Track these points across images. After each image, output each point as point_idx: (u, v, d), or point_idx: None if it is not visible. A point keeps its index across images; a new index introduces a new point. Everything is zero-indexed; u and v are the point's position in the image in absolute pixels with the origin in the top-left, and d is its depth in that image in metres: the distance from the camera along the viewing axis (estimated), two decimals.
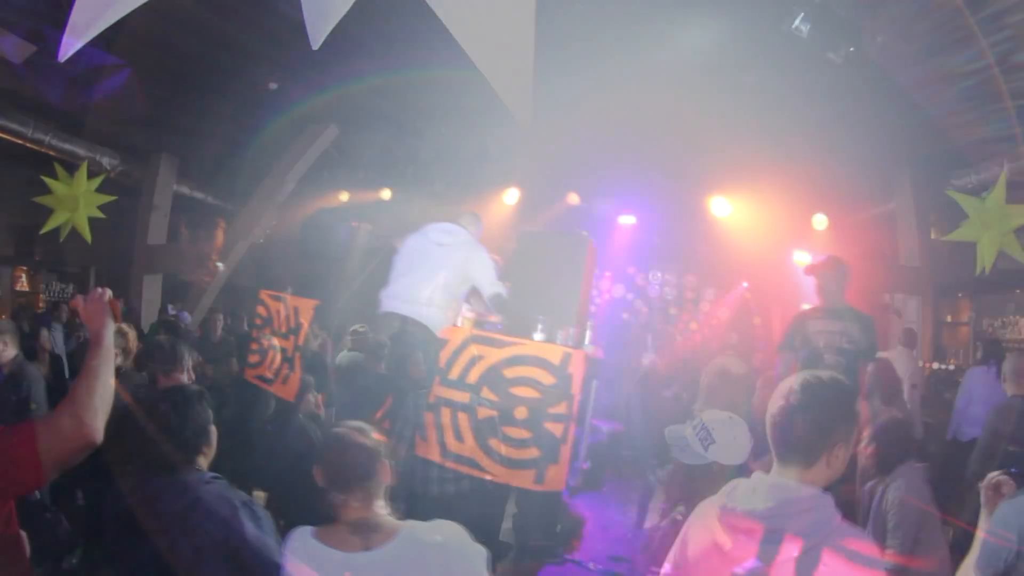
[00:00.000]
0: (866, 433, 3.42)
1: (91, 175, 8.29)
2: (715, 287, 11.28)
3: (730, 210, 9.67)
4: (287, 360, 4.48)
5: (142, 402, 2.46)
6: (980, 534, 2.14)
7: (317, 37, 1.83)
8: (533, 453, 3.91)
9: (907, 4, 5.77)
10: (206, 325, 8.38)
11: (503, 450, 3.84)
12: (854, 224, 9.70)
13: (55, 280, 11.80)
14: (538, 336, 4.17)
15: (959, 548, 3.14)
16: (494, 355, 3.97)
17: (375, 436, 2.14)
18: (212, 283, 10.16)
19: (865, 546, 1.63)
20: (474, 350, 3.98)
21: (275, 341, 4.65)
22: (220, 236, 10.60)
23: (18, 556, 1.92)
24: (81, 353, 4.98)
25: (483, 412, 3.89)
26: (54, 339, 6.77)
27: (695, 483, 2.53)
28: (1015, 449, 4.19)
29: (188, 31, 6.90)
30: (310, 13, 1.81)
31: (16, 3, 5.08)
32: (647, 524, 5.47)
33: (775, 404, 1.73)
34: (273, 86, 8.36)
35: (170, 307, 9.79)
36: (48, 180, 8.04)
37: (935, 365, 9.13)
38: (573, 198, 10.35)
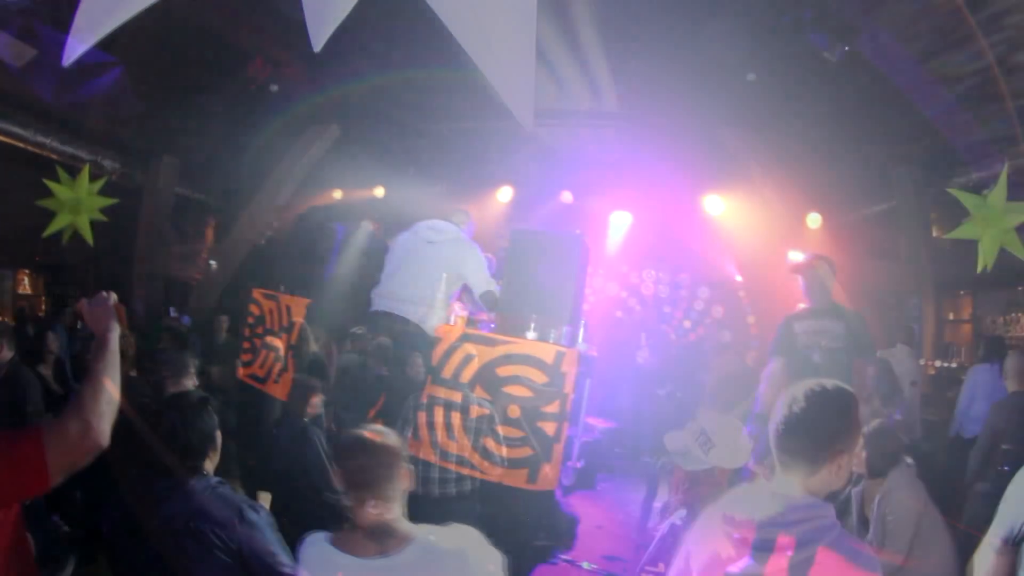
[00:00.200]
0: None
1: (93, 178, 8.33)
2: (709, 285, 11.27)
3: (724, 208, 9.65)
4: (280, 359, 4.49)
5: (148, 408, 2.48)
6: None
7: (319, 39, 1.83)
8: (526, 452, 3.92)
9: (907, 4, 5.75)
10: (209, 327, 8.41)
11: (496, 449, 3.85)
12: (853, 222, 9.66)
13: (57, 283, 11.85)
14: (531, 335, 4.18)
15: (960, 547, 3.16)
16: (487, 354, 3.98)
17: (396, 438, 2.11)
18: (205, 281, 10.18)
19: (865, 555, 1.63)
20: (467, 349, 3.98)
21: (268, 340, 4.65)
22: (210, 234, 10.59)
23: (27, 560, 1.92)
24: (83, 356, 5.01)
25: (476, 411, 3.89)
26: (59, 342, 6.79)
27: (698, 487, 2.54)
28: (1008, 447, 4.17)
29: (188, 31, 6.93)
30: (311, 14, 1.80)
31: (14, 3, 5.11)
32: (650, 524, 5.45)
33: (778, 412, 1.72)
34: (274, 87, 8.40)
35: (171, 310, 9.82)
36: (50, 183, 8.08)
37: (938, 363, 9.08)
38: (566, 196, 10.35)
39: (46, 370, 5.61)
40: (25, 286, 11.60)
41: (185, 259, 10.22)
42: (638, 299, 11.45)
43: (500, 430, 3.87)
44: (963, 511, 4.37)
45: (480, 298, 4.38)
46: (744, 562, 1.62)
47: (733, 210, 9.57)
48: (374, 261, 5.25)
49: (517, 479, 3.90)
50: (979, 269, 6.71)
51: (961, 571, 3.02)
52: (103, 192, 8.33)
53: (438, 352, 4.06)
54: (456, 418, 3.92)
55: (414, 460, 4.05)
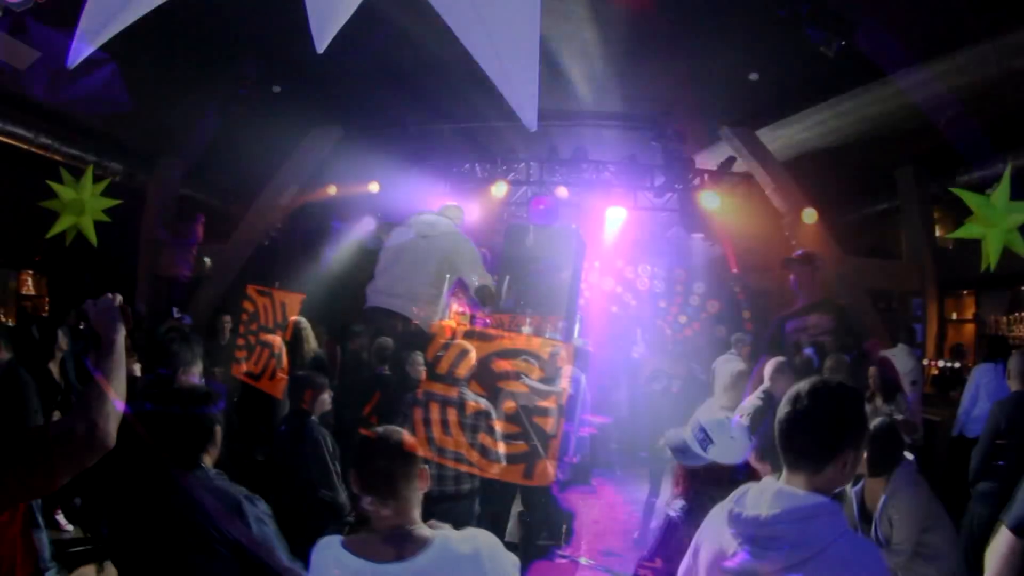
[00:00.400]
0: None
1: (96, 179, 8.37)
2: (704, 281, 11.24)
3: (719, 203, 9.62)
4: (274, 356, 4.47)
5: (150, 402, 2.49)
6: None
7: (322, 40, 1.82)
8: (522, 448, 3.91)
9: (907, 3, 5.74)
10: (212, 327, 8.40)
11: (492, 445, 3.83)
12: (855, 221, 9.63)
13: (60, 284, 11.89)
14: (527, 330, 4.16)
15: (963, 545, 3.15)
16: (483, 349, 3.97)
17: (414, 440, 2.07)
18: (205, 281, 10.20)
19: (872, 553, 1.62)
20: (462, 344, 3.97)
21: (263, 336, 4.64)
22: (201, 231, 10.60)
23: (32, 560, 1.92)
24: (85, 356, 5.02)
25: (471, 407, 3.88)
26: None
27: (696, 482, 2.54)
28: (1003, 442, 4.15)
29: (188, 31, 6.96)
30: (315, 16, 1.80)
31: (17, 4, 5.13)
32: (652, 524, 5.43)
33: (783, 410, 1.71)
34: (276, 89, 8.43)
35: (174, 310, 9.83)
36: (54, 185, 8.12)
37: (941, 363, 9.04)
38: (562, 191, 10.29)
39: (54, 366, 5.63)
40: (29, 287, 11.64)
41: (176, 256, 10.24)
42: (633, 294, 11.45)
43: (496, 426, 3.86)
44: (966, 510, 4.35)
45: (475, 293, 4.36)
46: (750, 560, 1.61)
47: (728, 205, 9.51)
48: (371, 257, 5.26)
49: (513, 475, 3.89)
50: (982, 268, 6.69)
51: (965, 566, 3.02)
52: (107, 193, 8.38)
53: (433, 347, 4.05)
54: (452, 414, 3.91)
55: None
